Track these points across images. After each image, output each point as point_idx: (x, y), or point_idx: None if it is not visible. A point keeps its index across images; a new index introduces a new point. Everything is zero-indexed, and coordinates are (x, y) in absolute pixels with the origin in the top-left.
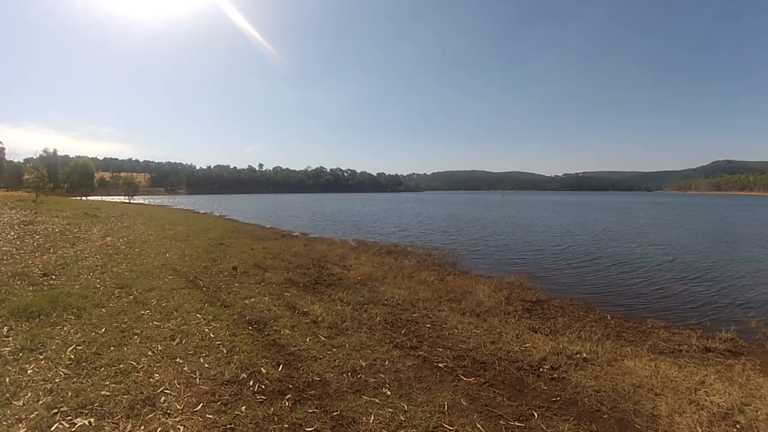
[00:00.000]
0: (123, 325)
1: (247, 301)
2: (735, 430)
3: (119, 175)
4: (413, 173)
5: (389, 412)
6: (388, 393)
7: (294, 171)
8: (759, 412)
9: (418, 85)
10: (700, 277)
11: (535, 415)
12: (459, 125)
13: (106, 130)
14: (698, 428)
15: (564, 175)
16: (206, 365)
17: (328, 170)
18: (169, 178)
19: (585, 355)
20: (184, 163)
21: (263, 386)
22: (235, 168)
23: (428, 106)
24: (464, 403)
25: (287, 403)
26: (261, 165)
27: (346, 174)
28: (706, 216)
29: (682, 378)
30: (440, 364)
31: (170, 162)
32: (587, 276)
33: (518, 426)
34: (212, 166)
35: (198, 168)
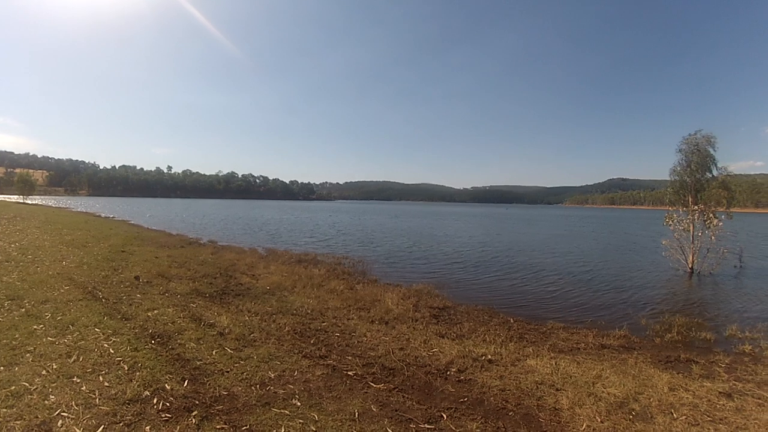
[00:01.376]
0: (14, 342)
1: (149, 314)
2: (630, 417)
3: (14, 171)
4: (326, 182)
5: (299, 423)
6: (298, 404)
7: (204, 175)
8: (651, 399)
9: (340, 95)
10: (595, 280)
11: (444, 416)
12: (374, 137)
13: (1, 119)
14: (597, 418)
15: (472, 188)
16: (106, 384)
17: (240, 176)
18: (70, 177)
19: (490, 356)
20: (87, 162)
21: (168, 404)
22: (142, 169)
23: (346, 116)
24: (374, 409)
25: (194, 420)
26: (170, 168)
27: (258, 180)
28: (602, 227)
29: (580, 373)
30: (350, 372)
31: (71, 159)
32: (492, 282)
33: (428, 428)
34: (117, 166)
35: (102, 168)
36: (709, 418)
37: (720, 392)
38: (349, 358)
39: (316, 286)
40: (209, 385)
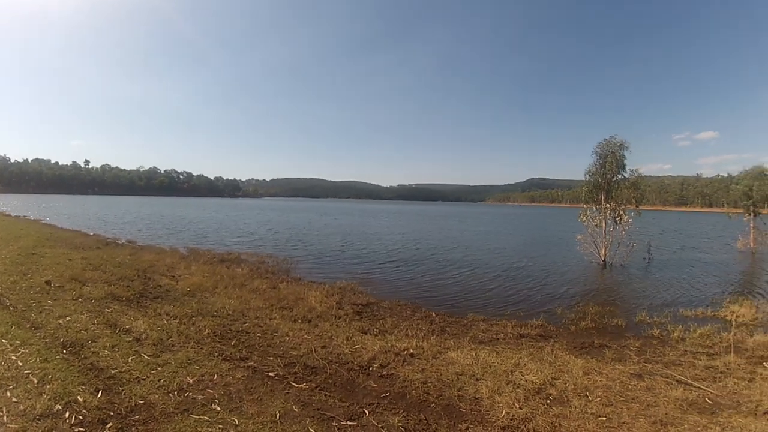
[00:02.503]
0: None
1: (61, 321)
2: (548, 401)
3: None
4: (252, 179)
5: (219, 428)
6: (218, 408)
7: (124, 171)
8: (567, 384)
9: (265, 91)
10: (515, 274)
11: (366, 412)
12: (302, 134)
13: None
14: (516, 404)
15: (399, 185)
16: (14, 399)
17: (162, 171)
18: None
19: (412, 350)
20: None
21: (81, 417)
22: (57, 163)
23: (273, 112)
24: (296, 409)
25: None
26: (87, 162)
27: (181, 176)
28: (523, 224)
29: (499, 363)
30: (271, 373)
31: None
32: (417, 278)
33: (350, 425)
34: (30, 160)
35: (13, 161)
36: (622, 398)
37: (631, 374)
38: (271, 358)
39: (239, 286)
40: (125, 394)
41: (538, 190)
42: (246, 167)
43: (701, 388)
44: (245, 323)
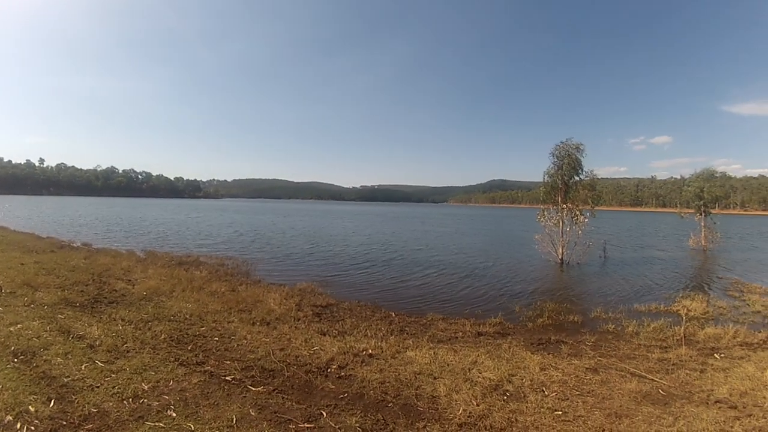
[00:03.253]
0: None
1: (12, 329)
2: (505, 398)
3: None
4: (213, 179)
5: None
6: (174, 415)
7: (81, 170)
8: (524, 380)
9: (227, 90)
10: (475, 273)
11: (324, 414)
12: (262, 133)
13: None
14: (473, 402)
15: (361, 186)
16: None
17: (121, 171)
18: None
19: (371, 351)
20: None
21: (33, 427)
22: (10, 162)
23: (235, 111)
24: (253, 413)
25: None
26: (42, 160)
27: (140, 176)
28: (484, 224)
29: (457, 361)
30: (228, 377)
31: None
32: (378, 279)
33: (308, 427)
34: None
35: None
36: (577, 392)
37: (587, 368)
38: (228, 362)
39: (197, 289)
40: (78, 402)
41: (498, 191)
42: (207, 168)
43: (654, 380)
44: (202, 327)
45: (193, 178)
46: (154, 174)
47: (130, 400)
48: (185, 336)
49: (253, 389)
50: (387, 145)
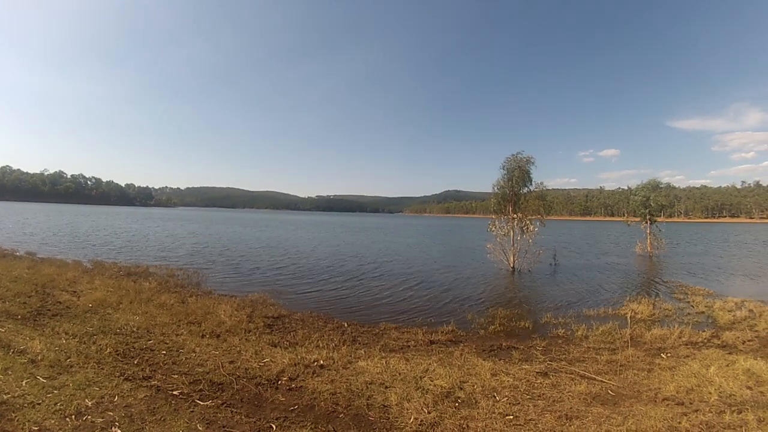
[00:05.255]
0: None
1: None
2: (456, 404)
3: None
4: (166, 187)
5: None
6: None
7: (27, 174)
8: (475, 387)
9: (184, 94)
10: (428, 282)
11: (274, 427)
12: (219, 141)
13: None
14: (425, 409)
15: (317, 196)
16: None
17: (69, 176)
18: None
19: (322, 362)
20: None
21: None
22: None
23: (189, 117)
24: (201, 428)
25: None
26: None
27: (90, 182)
28: (439, 234)
29: (409, 369)
30: (175, 392)
31: None
32: (330, 288)
33: None
34: None
35: None
36: (528, 396)
37: (537, 372)
38: (176, 376)
39: (145, 301)
40: (18, 421)
41: (453, 202)
42: (159, 175)
43: (604, 381)
44: (150, 340)
45: (144, 185)
46: (104, 180)
47: (73, 417)
48: (132, 349)
49: (201, 403)
50: (343, 156)
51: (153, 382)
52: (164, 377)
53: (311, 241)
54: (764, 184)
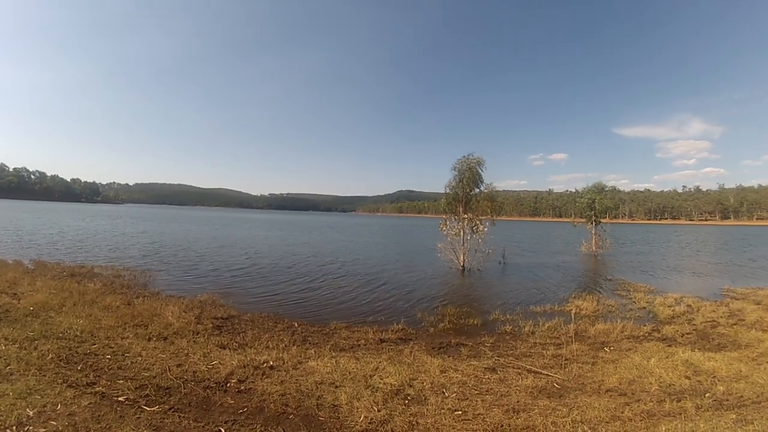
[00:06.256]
0: None
1: None
2: (406, 402)
3: None
4: (113, 182)
5: None
6: None
7: None
8: (425, 384)
9: (134, 85)
10: (380, 281)
11: (222, 430)
12: (169, 135)
13: None
14: (374, 408)
15: (270, 194)
16: None
17: (11, 169)
18: None
19: (272, 363)
20: None
21: None
22: None
23: (140, 108)
24: None
25: None
26: None
27: (33, 176)
28: (392, 233)
29: (359, 368)
30: (121, 398)
31: None
32: (281, 288)
33: None
34: None
35: None
36: (476, 392)
37: (485, 368)
38: (121, 381)
39: (89, 303)
40: None
41: (406, 202)
42: (107, 170)
43: (550, 375)
44: (94, 345)
45: (91, 181)
46: (48, 174)
47: (14, 428)
48: (75, 355)
49: (148, 409)
50: (297, 154)
51: (97, 389)
52: (109, 383)
53: (263, 240)
54: (704, 189)
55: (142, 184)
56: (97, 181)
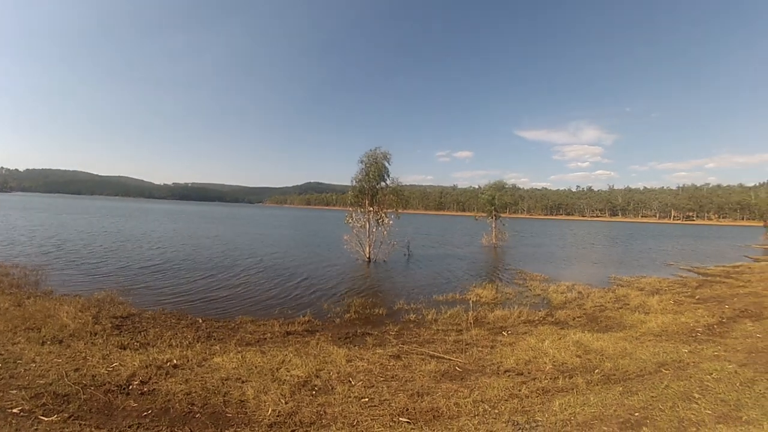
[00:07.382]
0: None
1: None
2: (313, 392)
3: None
4: (2, 168)
5: None
6: None
7: None
8: (331, 374)
9: (23, 54)
10: (287, 274)
11: None
12: (63, 115)
13: None
14: (282, 400)
15: (173, 184)
16: None
17: None
18: None
19: (175, 361)
20: None
21: None
22: None
23: (27, 80)
24: None
25: None
26: None
27: None
28: (299, 225)
29: (265, 362)
30: (15, 410)
31: None
32: (184, 283)
33: None
34: None
35: None
36: (382, 378)
37: (390, 355)
38: (14, 391)
39: None
40: None
41: (314, 194)
42: None
43: (451, 359)
44: None
45: None
46: None
47: None
48: None
49: (46, 419)
50: (200, 142)
51: None
52: (1, 394)
53: (164, 232)
54: (596, 189)
55: (33, 170)
56: None
